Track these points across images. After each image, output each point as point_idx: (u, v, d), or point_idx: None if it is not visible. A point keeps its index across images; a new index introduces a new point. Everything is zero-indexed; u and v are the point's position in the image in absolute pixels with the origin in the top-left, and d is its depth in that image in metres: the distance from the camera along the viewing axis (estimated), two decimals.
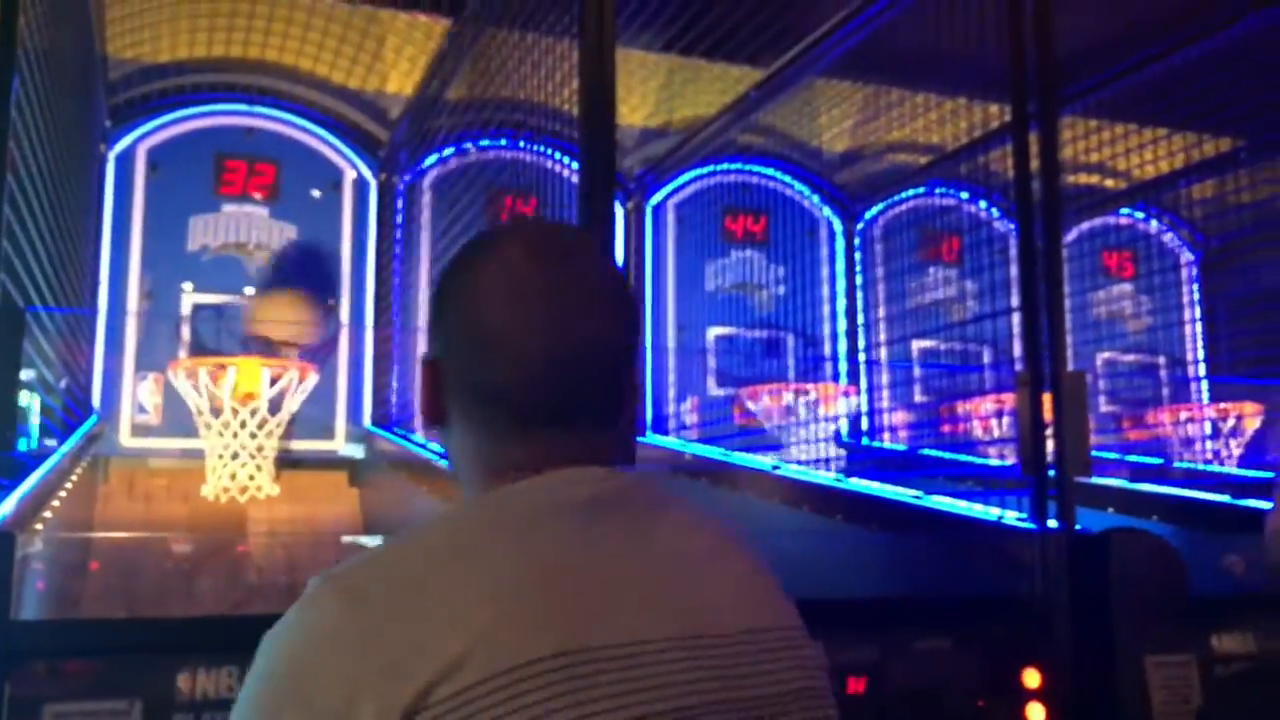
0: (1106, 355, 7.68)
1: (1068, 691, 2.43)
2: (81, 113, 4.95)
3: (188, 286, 6.16)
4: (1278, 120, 5.42)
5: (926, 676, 2.35)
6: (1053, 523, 2.79)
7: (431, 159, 6.43)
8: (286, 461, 5.86)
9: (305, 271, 6.29)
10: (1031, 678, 2.43)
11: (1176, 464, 6.19)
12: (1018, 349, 2.92)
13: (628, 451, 2.11)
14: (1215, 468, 6.28)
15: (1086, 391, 2.80)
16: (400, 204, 6.60)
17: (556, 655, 0.83)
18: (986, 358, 5.45)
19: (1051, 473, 2.73)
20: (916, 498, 3.41)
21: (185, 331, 6.08)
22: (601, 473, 0.98)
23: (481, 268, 1.01)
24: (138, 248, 6.12)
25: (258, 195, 6.29)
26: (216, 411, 5.41)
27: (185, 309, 6.10)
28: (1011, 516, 2.97)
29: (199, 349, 6.00)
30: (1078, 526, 2.75)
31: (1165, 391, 7.62)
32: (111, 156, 6.20)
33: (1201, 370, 7.61)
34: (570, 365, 0.97)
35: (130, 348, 6.00)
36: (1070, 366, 2.85)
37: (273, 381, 5.41)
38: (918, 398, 6.81)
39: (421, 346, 6.44)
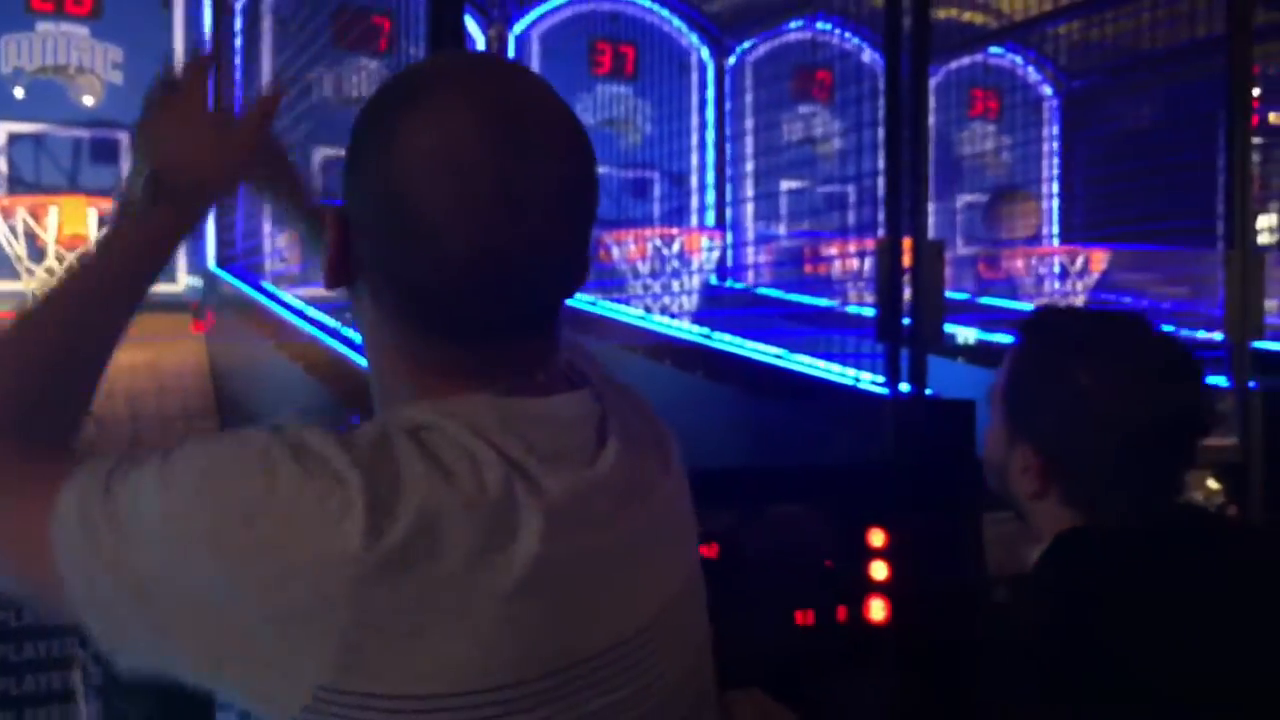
0: (969, 198, 7.80)
1: (910, 549, 2.51)
2: None
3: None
4: None
5: (777, 540, 2.41)
6: (905, 386, 2.84)
7: None
8: None
9: None
10: (876, 537, 2.50)
11: (1023, 306, 6.41)
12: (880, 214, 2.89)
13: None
14: None
15: (944, 262, 2.81)
16: (240, 23, 6.05)
17: (542, 677, 0.75)
18: (851, 197, 5.45)
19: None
20: (777, 357, 3.42)
21: (1, 164, 5.55)
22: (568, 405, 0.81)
23: (414, 127, 0.76)
24: None
25: (76, 12, 5.65)
26: (40, 254, 4.99)
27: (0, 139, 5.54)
28: (867, 380, 3.01)
29: (18, 185, 5.49)
30: (928, 390, 2.82)
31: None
32: None
33: (1055, 212, 7.83)
34: (517, 270, 0.76)
35: None
36: (931, 212, 2.84)
37: (101, 222, 4.98)
38: (782, 240, 6.83)
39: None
